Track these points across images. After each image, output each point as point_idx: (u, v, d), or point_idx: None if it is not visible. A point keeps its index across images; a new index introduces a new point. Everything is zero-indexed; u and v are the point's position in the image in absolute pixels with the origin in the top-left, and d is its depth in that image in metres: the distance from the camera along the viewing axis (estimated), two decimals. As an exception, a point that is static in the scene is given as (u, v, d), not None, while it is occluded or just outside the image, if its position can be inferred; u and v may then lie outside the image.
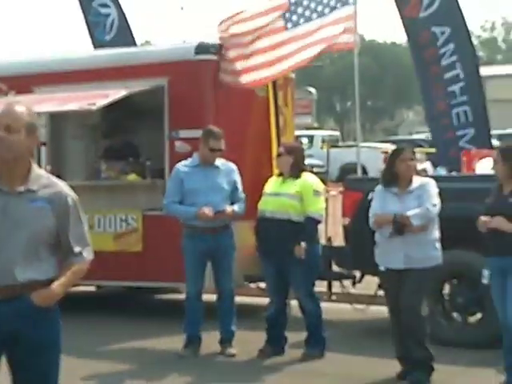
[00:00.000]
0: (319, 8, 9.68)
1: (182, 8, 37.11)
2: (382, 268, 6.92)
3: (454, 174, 9.44)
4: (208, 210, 7.80)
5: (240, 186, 8.16)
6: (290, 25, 9.66)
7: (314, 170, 22.64)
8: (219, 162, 8.11)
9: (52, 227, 4.11)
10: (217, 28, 9.62)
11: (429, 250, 6.75)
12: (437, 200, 6.76)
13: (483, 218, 6.40)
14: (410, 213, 6.66)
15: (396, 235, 6.70)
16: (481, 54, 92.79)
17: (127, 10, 13.28)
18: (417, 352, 6.75)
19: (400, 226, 6.66)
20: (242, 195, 8.15)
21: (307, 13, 9.71)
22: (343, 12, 9.58)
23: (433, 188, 6.79)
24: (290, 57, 9.57)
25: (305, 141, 28.06)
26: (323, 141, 28.99)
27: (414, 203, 6.73)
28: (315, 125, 49.56)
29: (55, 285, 4.10)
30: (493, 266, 6.44)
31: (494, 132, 40.19)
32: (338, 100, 76.79)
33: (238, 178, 8.16)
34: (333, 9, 9.63)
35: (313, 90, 47.62)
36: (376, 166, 21.50)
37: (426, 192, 6.75)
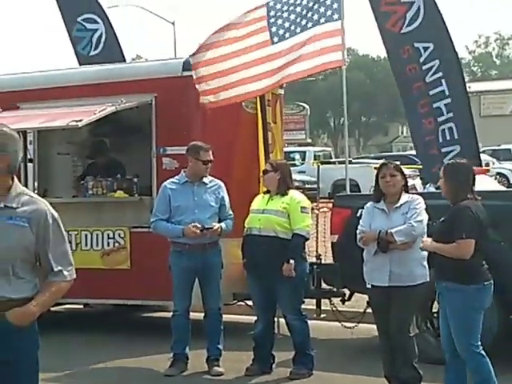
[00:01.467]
0: (303, 22, 9.63)
1: (173, 23, 37.25)
2: (368, 285, 6.87)
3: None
4: (194, 228, 7.75)
5: (228, 204, 8.11)
6: (276, 39, 9.62)
7: (306, 186, 22.75)
8: (207, 179, 8.07)
9: (30, 245, 4.08)
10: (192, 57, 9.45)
11: (414, 268, 6.70)
12: (423, 217, 6.71)
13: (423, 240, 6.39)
14: (394, 230, 6.64)
15: (381, 252, 6.66)
16: (475, 69, 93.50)
17: (117, 25, 13.26)
18: (405, 372, 6.69)
19: (384, 243, 6.65)
20: (230, 212, 8.11)
21: (292, 27, 9.66)
22: (328, 27, 9.52)
23: (420, 205, 6.75)
24: (278, 71, 9.51)
25: (297, 157, 28.10)
26: (315, 157, 28.99)
27: (401, 220, 6.71)
28: (309, 141, 49.65)
29: (31, 304, 4.05)
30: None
31: (487, 148, 40.11)
32: (332, 115, 76.94)
33: (225, 195, 8.11)
34: (316, 23, 9.58)
35: (306, 105, 47.70)
36: (369, 183, 21.50)
37: (412, 209, 6.72)
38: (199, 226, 7.80)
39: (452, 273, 6.07)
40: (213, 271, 7.95)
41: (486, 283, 6.18)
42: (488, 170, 14.21)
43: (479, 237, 6.10)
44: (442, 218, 6.25)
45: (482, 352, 6.18)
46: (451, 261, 6.06)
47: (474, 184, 6.31)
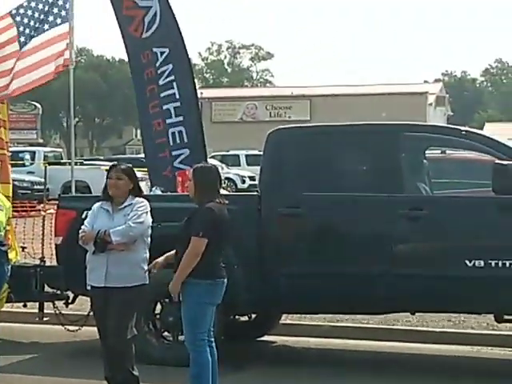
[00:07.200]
0: (39, 25, 9.53)
1: None
2: (88, 286, 6.86)
3: (168, 194, 9.53)
4: None
5: None
6: (22, 38, 9.51)
7: (35, 187, 22.22)
8: None
9: None
10: None
11: (132, 269, 6.71)
12: (144, 219, 6.75)
13: None
14: (111, 230, 6.66)
15: (99, 252, 6.68)
16: (207, 76, 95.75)
17: None
18: (121, 374, 6.72)
19: (101, 243, 6.66)
20: None
21: (31, 31, 9.54)
22: (60, 28, 9.46)
23: (142, 207, 6.78)
24: (14, 75, 9.40)
25: (27, 157, 27.44)
26: (45, 158, 28.42)
27: (122, 221, 6.72)
28: (40, 141, 48.52)
29: None
30: None
31: (217, 153, 41.16)
32: (65, 116, 75.86)
33: None
34: (52, 25, 9.49)
35: (38, 104, 46.64)
36: (100, 185, 21.37)
37: (134, 210, 6.74)
38: None
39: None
40: None
41: (217, 280, 6.50)
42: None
43: (217, 237, 6.41)
44: (186, 217, 6.52)
45: (206, 346, 6.47)
46: None
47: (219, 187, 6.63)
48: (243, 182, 34.45)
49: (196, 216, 6.45)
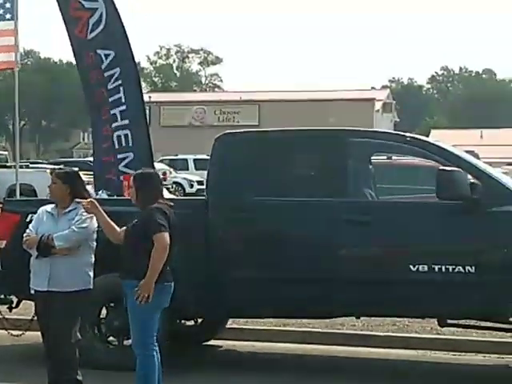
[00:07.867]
0: None
1: None
2: (32, 291, 6.81)
3: (115, 197, 9.49)
4: None
5: None
6: None
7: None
8: None
9: None
10: None
11: (76, 274, 6.68)
12: (88, 223, 6.72)
13: None
14: (54, 234, 6.63)
15: (42, 256, 6.65)
16: (156, 79, 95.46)
17: None
18: (65, 379, 6.66)
19: (44, 247, 6.62)
20: None
21: None
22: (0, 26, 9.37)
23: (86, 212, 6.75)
24: None
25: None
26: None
27: (66, 225, 6.71)
28: (-15, 143, 47.92)
29: None
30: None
31: (166, 157, 40.88)
32: (11, 118, 75.03)
33: None
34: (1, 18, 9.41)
35: (-17, 107, 46.08)
36: (46, 188, 21.16)
37: (79, 215, 6.73)
38: None
39: (136, 271, 6.32)
40: None
41: (166, 283, 6.48)
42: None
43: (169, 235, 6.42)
44: (134, 222, 6.50)
45: (154, 349, 6.49)
46: (139, 260, 6.32)
47: (162, 191, 6.68)
48: (191, 186, 34.39)
49: (146, 218, 6.41)
